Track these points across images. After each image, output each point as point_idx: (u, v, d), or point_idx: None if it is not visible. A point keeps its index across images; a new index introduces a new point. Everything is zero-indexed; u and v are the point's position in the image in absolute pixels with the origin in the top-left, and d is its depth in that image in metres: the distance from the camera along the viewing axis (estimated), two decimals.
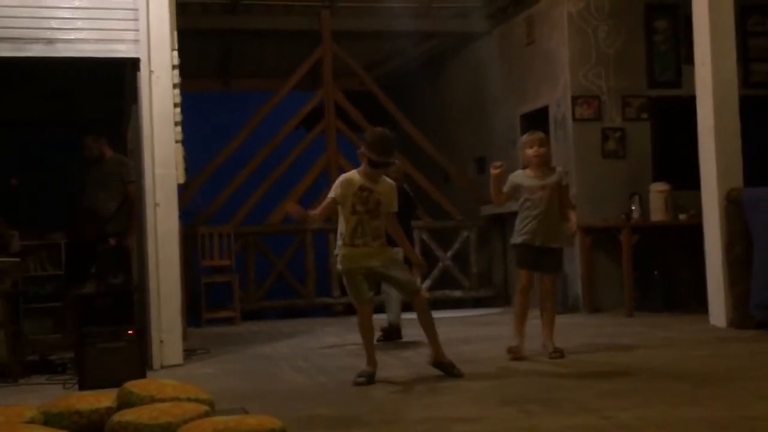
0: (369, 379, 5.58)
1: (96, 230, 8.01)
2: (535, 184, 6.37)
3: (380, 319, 8.02)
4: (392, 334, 7.74)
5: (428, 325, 5.81)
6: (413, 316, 5.99)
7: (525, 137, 6.61)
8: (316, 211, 5.79)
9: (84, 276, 7.63)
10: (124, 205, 8.05)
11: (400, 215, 6.72)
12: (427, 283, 11.25)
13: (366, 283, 5.74)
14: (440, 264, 11.41)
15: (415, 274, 6.39)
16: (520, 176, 6.48)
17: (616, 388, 4.95)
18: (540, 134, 6.58)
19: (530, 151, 6.43)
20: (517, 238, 6.48)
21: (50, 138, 10.77)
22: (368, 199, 5.69)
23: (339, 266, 5.82)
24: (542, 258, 6.44)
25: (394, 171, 7.53)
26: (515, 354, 6.33)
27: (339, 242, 5.79)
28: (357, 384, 5.51)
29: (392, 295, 7.68)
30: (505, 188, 6.44)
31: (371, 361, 5.73)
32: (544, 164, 6.46)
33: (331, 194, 5.76)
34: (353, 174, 5.82)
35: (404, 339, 7.67)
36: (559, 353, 6.29)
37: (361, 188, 5.70)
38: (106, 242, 7.70)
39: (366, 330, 5.81)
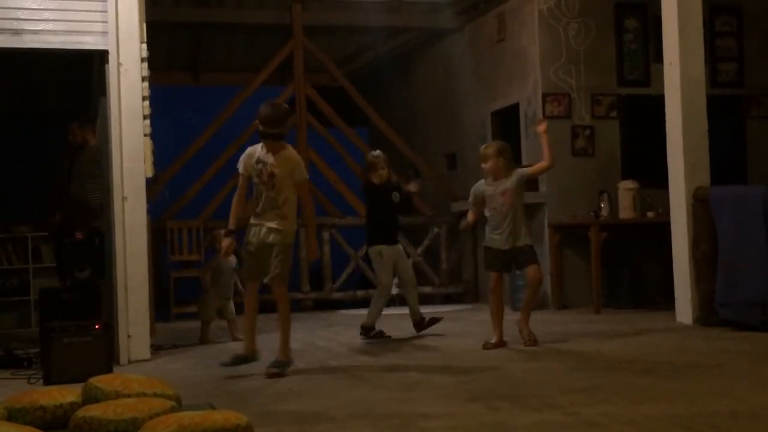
0: (235, 362, 5.88)
1: (85, 220, 7.82)
2: (494, 192, 6.81)
3: (401, 314, 8.12)
4: (375, 333, 7.71)
5: (280, 321, 5.98)
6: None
7: (481, 150, 7.03)
8: (234, 205, 5.98)
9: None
10: None
11: (391, 208, 6.83)
12: (397, 279, 11.25)
13: (252, 261, 5.89)
14: (410, 260, 11.41)
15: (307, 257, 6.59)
16: (482, 185, 6.92)
17: (581, 385, 4.98)
18: (490, 149, 6.92)
19: (483, 165, 6.88)
20: (487, 241, 6.89)
21: (15, 130, 10.65)
22: (262, 171, 5.85)
23: (226, 247, 6.04)
24: (514, 257, 6.81)
25: (377, 161, 7.56)
26: (490, 347, 6.67)
27: (232, 228, 5.99)
28: (223, 365, 5.86)
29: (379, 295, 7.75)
30: (470, 199, 6.97)
31: (248, 344, 5.99)
32: (497, 174, 6.82)
33: (239, 169, 5.96)
34: (254, 147, 5.98)
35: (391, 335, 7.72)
36: (532, 341, 6.70)
37: (258, 161, 5.88)
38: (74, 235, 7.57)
39: (250, 309, 5.99)
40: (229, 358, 6.04)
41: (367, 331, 7.66)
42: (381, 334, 7.66)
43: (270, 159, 5.84)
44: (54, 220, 8.43)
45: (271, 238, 5.82)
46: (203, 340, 7.91)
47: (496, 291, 6.87)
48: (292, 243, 5.95)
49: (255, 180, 5.89)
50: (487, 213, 6.88)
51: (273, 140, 5.85)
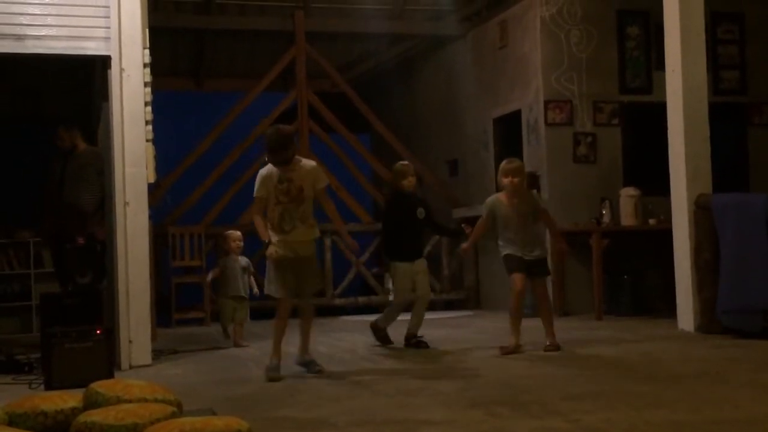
0: (279, 372, 5.88)
1: (78, 226, 7.81)
2: (509, 213, 6.82)
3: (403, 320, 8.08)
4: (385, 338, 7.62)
5: (306, 327, 6.16)
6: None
7: (504, 165, 6.96)
8: (259, 222, 5.95)
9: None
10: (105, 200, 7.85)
11: (414, 223, 7.17)
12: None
13: (290, 276, 5.92)
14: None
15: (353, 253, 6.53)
16: (496, 204, 6.89)
17: (582, 391, 4.97)
18: (517, 164, 6.95)
19: (506, 180, 6.83)
20: (504, 250, 6.87)
21: (17, 134, 10.65)
22: (290, 189, 5.90)
23: (272, 254, 5.90)
24: (534, 265, 6.86)
25: (407, 168, 7.49)
26: (507, 352, 6.67)
27: (270, 238, 5.93)
28: (270, 380, 5.77)
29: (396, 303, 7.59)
30: (483, 215, 6.93)
31: (277, 352, 6.01)
32: (517, 191, 6.83)
33: (258, 193, 5.95)
34: (270, 168, 5.98)
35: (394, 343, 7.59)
36: (553, 347, 6.73)
37: (280, 180, 5.90)
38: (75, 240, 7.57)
39: (281, 325, 6.04)
40: (272, 369, 5.94)
41: (377, 331, 7.55)
42: (387, 339, 7.55)
43: (293, 176, 5.91)
44: (47, 226, 8.41)
45: (307, 251, 5.97)
46: (237, 342, 7.89)
47: (521, 293, 6.79)
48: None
49: (281, 199, 5.88)
50: (502, 229, 6.87)
51: (287, 164, 5.93)
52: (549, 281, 9.66)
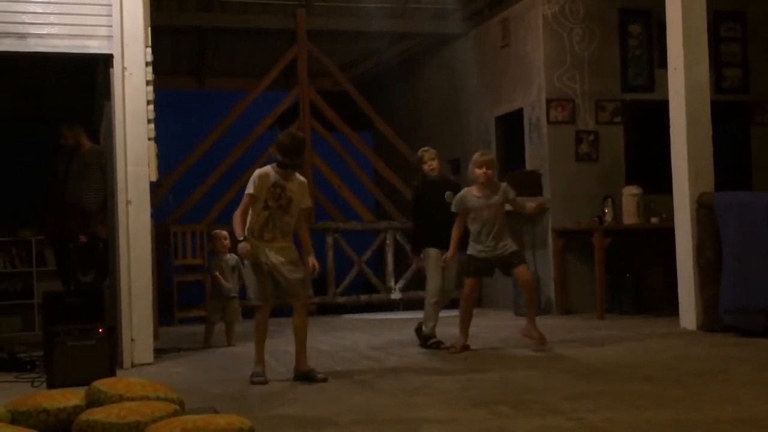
0: (264, 378, 5.75)
1: (81, 224, 7.79)
2: (481, 204, 6.88)
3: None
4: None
5: (301, 334, 5.93)
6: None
7: (477, 157, 7.03)
8: (239, 218, 5.81)
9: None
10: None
11: (443, 207, 7.01)
12: (401, 283, 11.27)
13: (269, 282, 5.82)
14: (413, 265, 11.39)
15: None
16: (465, 197, 6.95)
17: (585, 390, 4.97)
18: (491, 156, 7.12)
19: (479, 171, 6.91)
20: (470, 250, 6.95)
21: (19, 133, 10.66)
22: (281, 195, 5.87)
23: (243, 248, 5.76)
24: (501, 263, 6.91)
25: (424, 153, 7.42)
26: (455, 351, 6.84)
27: (245, 235, 5.79)
28: (254, 383, 5.68)
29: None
30: (453, 208, 6.97)
31: (260, 361, 5.87)
32: (489, 183, 6.91)
33: (249, 190, 5.85)
34: (268, 169, 5.94)
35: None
36: (542, 341, 6.78)
37: (275, 185, 5.86)
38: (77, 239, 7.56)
39: (261, 331, 5.91)
40: (257, 375, 5.85)
41: (426, 340, 7.26)
42: (438, 343, 7.20)
43: (288, 184, 5.89)
44: (50, 224, 8.41)
45: (289, 257, 5.86)
46: (206, 342, 7.92)
47: (470, 297, 7.00)
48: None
49: (270, 203, 5.83)
50: (471, 224, 6.91)
51: (292, 169, 5.94)
52: (550, 281, 9.71)
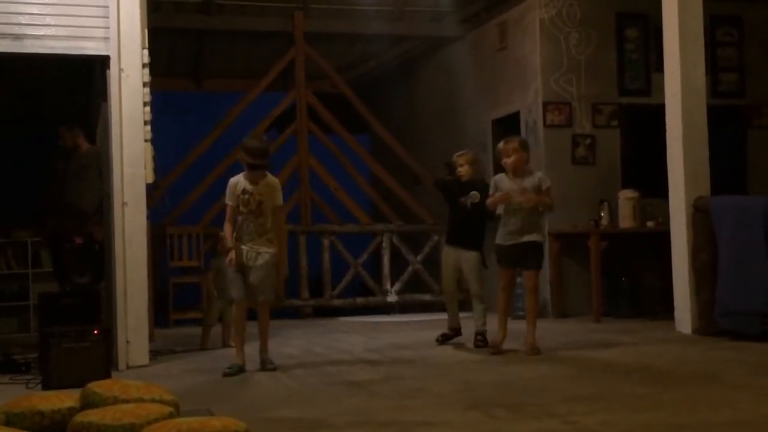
0: (237, 371, 6.14)
1: (77, 226, 7.79)
2: (514, 188, 6.81)
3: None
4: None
5: (263, 332, 6.40)
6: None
7: (500, 145, 7.01)
8: (228, 229, 6.30)
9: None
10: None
11: (463, 208, 7.13)
12: (397, 286, 11.27)
13: (244, 280, 6.27)
14: (410, 268, 11.41)
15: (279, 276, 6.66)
16: (502, 179, 6.93)
17: (580, 393, 4.97)
18: (512, 143, 6.93)
19: (505, 161, 6.89)
20: (500, 239, 6.89)
21: (16, 134, 10.64)
22: (249, 200, 6.24)
23: (230, 260, 6.25)
24: (524, 254, 6.80)
25: (455, 160, 7.47)
26: (495, 348, 6.79)
27: (232, 243, 6.28)
28: (225, 375, 6.07)
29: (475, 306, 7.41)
30: (491, 191, 6.94)
31: (238, 354, 6.31)
32: (519, 169, 6.87)
33: (228, 202, 6.30)
34: (239, 178, 6.33)
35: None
36: (535, 350, 6.69)
37: (243, 191, 6.25)
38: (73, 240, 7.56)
39: (237, 326, 6.46)
40: (231, 368, 6.21)
41: (475, 336, 7.27)
42: (455, 333, 7.55)
43: (254, 189, 6.23)
44: (49, 226, 8.40)
45: (262, 260, 6.25)
46: (203, 344, 7.92)
47: (506, 288, 6.91)
48: (276, 263, 6.37)
49: (242, 209, 6.23)
50: (500, 210, 6.87)
51: (261, 170, 6.26)
52: (546, 284, 9.70)
